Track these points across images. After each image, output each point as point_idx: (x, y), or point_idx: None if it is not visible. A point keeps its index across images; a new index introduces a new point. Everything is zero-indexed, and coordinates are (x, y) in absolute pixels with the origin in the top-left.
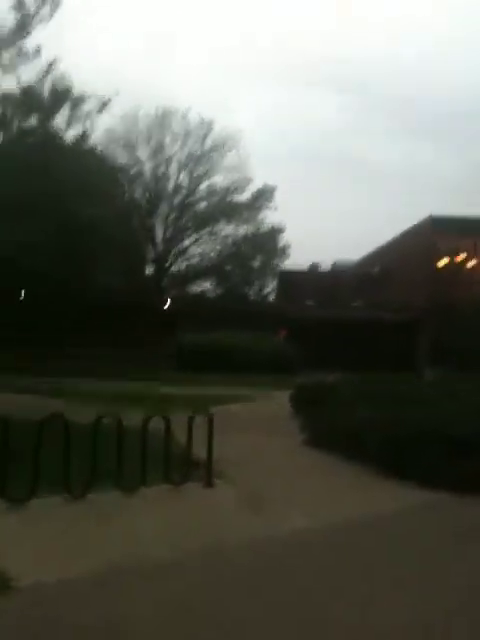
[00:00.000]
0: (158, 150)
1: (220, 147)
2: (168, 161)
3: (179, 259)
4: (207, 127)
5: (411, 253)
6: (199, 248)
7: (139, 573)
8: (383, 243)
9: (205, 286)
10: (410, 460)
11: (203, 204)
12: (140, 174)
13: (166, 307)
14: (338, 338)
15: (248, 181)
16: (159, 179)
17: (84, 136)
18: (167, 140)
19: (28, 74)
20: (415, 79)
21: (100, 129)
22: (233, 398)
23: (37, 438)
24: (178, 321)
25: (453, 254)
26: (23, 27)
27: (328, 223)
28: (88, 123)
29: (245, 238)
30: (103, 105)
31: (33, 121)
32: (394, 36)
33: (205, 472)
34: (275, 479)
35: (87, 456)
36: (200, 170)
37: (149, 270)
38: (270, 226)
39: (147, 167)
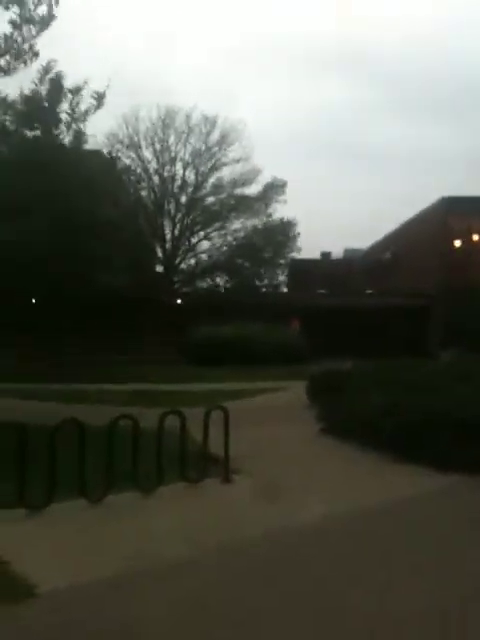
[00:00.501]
0: (162, 148)
1: (224, 141)
2: (173, 159)
3: (189, 255)
4: (211, 122)
5: (424, 236)
6: (209, 243)
7: (159, 574)
8: (395, 228)
9: (216, 281)
10: (424, 445)
11: (211, 199)
12: (146, 173)
13: (177, 303)
14: (351, 326)
15: (256, 173)
16: (165, 177)
17: (79, 133)
18: (171, 138)
19: (27, 75)
20: (423, 58)
21: (103, 130)
22: (247, 391)
23: (51, 442)
24: (189, 316)
25: (467, 235)
26: (19, 28)
27: (339, 211)
28: (87, 118)
29: (255, 231)
30: (100, 97)
31: (36, 125)
32: (403, 13)
33: (223, 468)
34: (292, 469)
35: (104, 458)
36: (206, 166)
37: (159, 268)
38: (280, 217)
39: (152, 166)
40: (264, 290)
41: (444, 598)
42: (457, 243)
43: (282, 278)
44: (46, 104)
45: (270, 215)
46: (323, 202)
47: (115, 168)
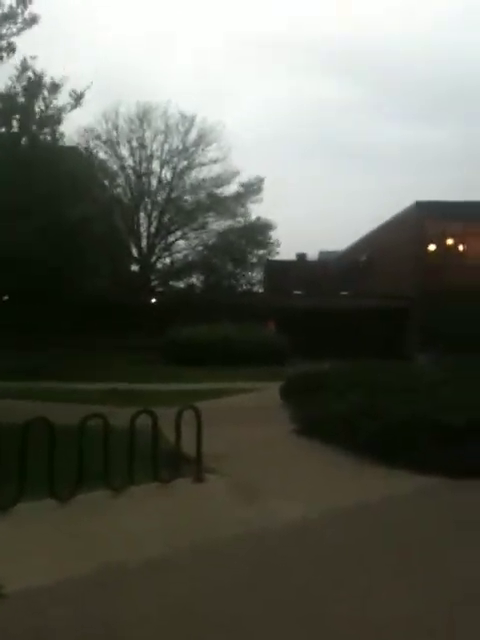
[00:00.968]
0: (139, 145)
1: (202, 140)
2: (150, 157)
3: (165, 254)
4: (189, 121)
5: (399, 240)
6: (185, 242)
7: (129, 573)
8: (370, 231)
9: (192, 280)
10: (402, 447)
11: (187, 198)
12: (122, 170)
13: (153, 302)
14: (327, 327)
15: (233, 174)
16: (142, 175)
17: (53, 131)
18: (148, 135)
19: (3, 72)
20: (410, 60)
21: (82, 125)
22: (223, 391)
23: (22, 442)
24: (166, 316)
25: (441, 239)
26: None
27: (315, 213)
28: (62, 116)
29: (231, 230)
30: (78, 97)
31: (13, 123)
32: (391, 15)
33: (195, 467)
34: (266, 470)
35: (74, 457)
36: (183, 164)
37: (135, 266)
38: (257, 218)
39: (129, 163)
40: (240, 290)
41: (427, 602)
42: (432, 247)
43: (258, 278)
44: (22, 99)
45: (246, 215)
46: (299, 203)
47: (91, 164)
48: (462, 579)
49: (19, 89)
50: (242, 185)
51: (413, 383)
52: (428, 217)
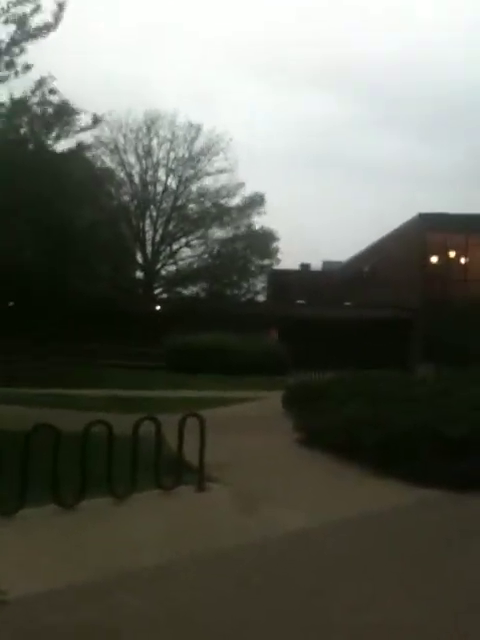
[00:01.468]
0: (146, 153)
1: (208, 150)
2: (156, 164)
3: (169, 262)
4: (195, 130)
5: (401, 251)
6: (189, 251)
7: (131, 581)
8: (373, 242)
9: (196, 288)
10: (403, 458)
11: (193, 207)
12: (129, 177)
13: (156, 310)
14: (330, 337)
15: (239, 185)
16: (148, 183)
17: (79, 147)
18: (154, 144)
19: (19, 86)
20: (405, 74)
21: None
22: (226, 399)
23: (25, 448)
24: (168, 323)
25: (444, 251)
26: (16, 43)
27: (318, 224)
28: (81, 136)
29: (235, 240)
30: (96, 121)
31: (23, 130)
32: (384, 29)
33: (198, 475)
34: (268, 479)
35: (77, 464)
36: (189, 173)
37: (139, 274)
38: (261, 228)
39: (135, 171)
40: (243, 299)
41: (431, 611)
42: (434, 259)
43: (261, 287)
44: (38, 111)
45: (251, 226)
46: (303, 215)
47: (97, 172)
48: (465, 589)
49: (34, 100)
50: (246, 198)
51: (415, 393)
52: (431, 229)
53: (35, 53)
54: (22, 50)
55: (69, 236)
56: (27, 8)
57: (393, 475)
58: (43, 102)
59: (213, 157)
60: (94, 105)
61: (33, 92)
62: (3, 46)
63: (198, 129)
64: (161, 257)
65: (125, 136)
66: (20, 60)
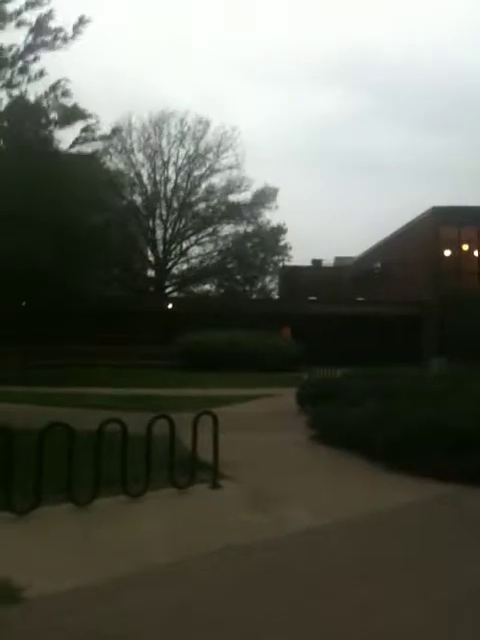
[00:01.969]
0: (155, 153)
1: (217, 147)
2: (166, 163)
3: (180, 260)
4: (203, 128)
5: (414, 246)
6: (200, 249)
7: (146, 579)
8: (386, 237)
9: (207, 286)
10: (418, 454)
11: (202, 205)
12: (138, 177)
13: (168, 308)
14: (343, 333)
15: (249, 181)
16: (157, 182)
17: (93, 154)
18: (163, 142)
19: (33, 89)
20: (416, 67)
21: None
22: (239, 397)
23: (39, 446)
24: (181, 322)
25: (457, 245)
26: (32, 50)
27: (330, 219)
28: (98, 145)
29: (246, 237)
30: (114, 132)
31: (35, 133)
32: (394, 23)
33: (211, 473)
34: (282, 477)
35: (91, 462)
36: (198, 171)
37: (151, 273)
38: (271, 224)
39: (144, 170)
40: (255, 296)
41: (449, 607)
42: (447, 253)
43: (273, 285)
44: (51, 115)
45: (261, 222)
46: (314, 210)
47: (106, 173)
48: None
49: (47, 104)
50: (256, 194)
51: (428, 389)
52: (444, 222)
53: (47, 54)
54: (36, 58)
55: (81, 237)
56: (42, 10)
57: (407, 471)
58: (56, 106)
59: (222, 153)
60: (103, 105)
61: (46, 95)
62: (14, 53)
63: (207, 125)
64: (172, 256)
65: (133, 136)
66: (35, 66)
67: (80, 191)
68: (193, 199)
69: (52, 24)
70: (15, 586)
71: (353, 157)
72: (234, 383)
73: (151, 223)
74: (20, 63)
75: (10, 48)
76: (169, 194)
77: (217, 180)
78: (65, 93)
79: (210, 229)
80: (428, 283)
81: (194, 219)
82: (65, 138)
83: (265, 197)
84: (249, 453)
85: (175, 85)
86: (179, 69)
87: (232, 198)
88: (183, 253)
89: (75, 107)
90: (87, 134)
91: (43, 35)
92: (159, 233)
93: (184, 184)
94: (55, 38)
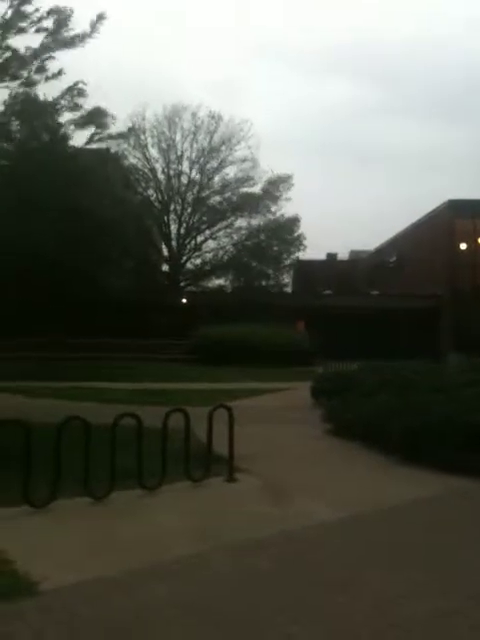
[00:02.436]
0: (169, 147)
1: (230, 139)
2: (179, 157)
3: (195, 254)
4: (216, 121)
5: (430, 239)
6: (214, 242)
7: (162, 572)
8: (401, 230)
9: (222, 280)
10: (433, 448)
11: (216, 198)
12: (152, 172)
13: (184, 303)
14: (357, 327)
15: (262, 173)
16: (171, 176)
17: (110, 153)
18: (177, 137)
19: (49, 88)
20: (429, 59)
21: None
22: (253, 390)
23: (56, 440)
24: (196, 316)
25: (473, 237)
26: (48, 49)
27: (345, 212)
28: (114, 143)
29: (260, 230)
30: (130, 130)
31: (53, 132)
32: (407, 16)
33: (227, 466)
34: (298, 470)
35: (107, 456)
36: (211, 164)
37: (165, 267)
38: (286, 216)
39: (159, 165)
40: (270, 290)
41: (467, 598)
42: (463, 246)
43: (287, 279)
44: (69, 114)
45: (275, 213)
46: (329, 204)
47: (121, 168)
48: None
49: (63, 101)
50: (270, 182)
51: (444, 383)
52: (460, 216)
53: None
54: (52, 57)
55: (96, 232)
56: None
57: (423, 465)
58: (73, 106)
59: (235, 146)
60: (118, 101)
61: (63, 95)
62: (31, 53)
63: (219, 118)
64: (186, 250)
65: (147, 130)
66: (53, 65)
67: (96, 185)
68: (207, 192)
69: (71, 24)
70: (32, 579)
71: (368, 150)
72: (249, 377)
73: (166, 218)
74: (37, 62)
75: (28, 48)
76: (183, 189)
77: (230, 172)
78: (80, 93)
79: (224, 223)
80: (444, 277)
81: (208, 213)
82: (82, 134)
83: (279, 187)
84: (264, 446)
85: (186, 78)
86: (193, 61)
87: (246, 190)
88: (197, 248)
89: (97, 109)
90: (102, 134)
91: (61, 35)
92: (173, 227)
93: (198, 177)
94: (73, 38)
